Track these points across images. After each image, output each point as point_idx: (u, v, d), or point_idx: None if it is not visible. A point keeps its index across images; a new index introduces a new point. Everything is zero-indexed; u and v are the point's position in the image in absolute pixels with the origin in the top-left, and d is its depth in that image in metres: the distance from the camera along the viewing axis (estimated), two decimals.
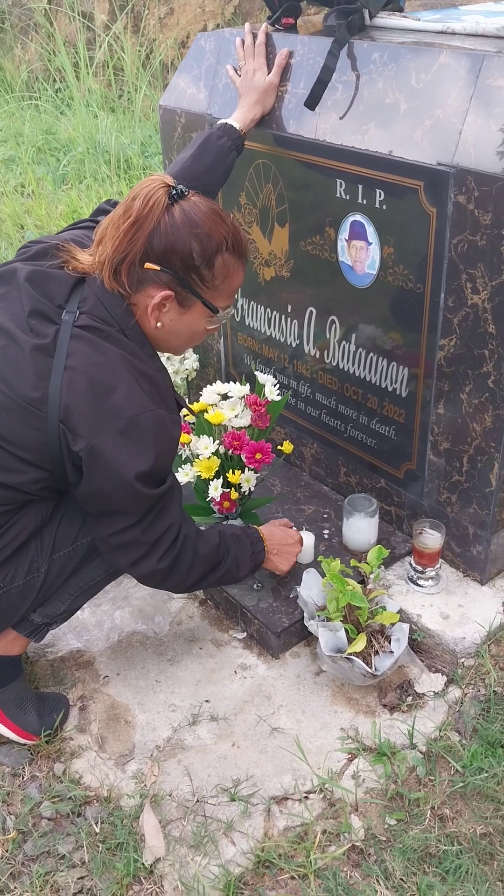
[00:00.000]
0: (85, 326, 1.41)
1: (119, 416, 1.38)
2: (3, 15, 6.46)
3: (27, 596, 1.58)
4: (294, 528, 1.91)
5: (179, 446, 2.01)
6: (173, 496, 1.54)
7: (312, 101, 1.78)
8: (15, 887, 1.45)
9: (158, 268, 1.40)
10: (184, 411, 2.06)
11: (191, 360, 2.55)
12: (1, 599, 1.55)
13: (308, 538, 1.96)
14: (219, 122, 1.87)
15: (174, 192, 1.41)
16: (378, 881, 1.43)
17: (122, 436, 1.38)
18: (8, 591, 1.55)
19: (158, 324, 1.46)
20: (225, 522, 2.11)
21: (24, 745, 1.68)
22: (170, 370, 2.53)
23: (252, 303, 2.22)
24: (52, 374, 1.38)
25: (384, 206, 1.73)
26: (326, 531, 2.08)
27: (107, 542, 1.52)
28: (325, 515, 2.14)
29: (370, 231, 1.78)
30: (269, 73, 1.90)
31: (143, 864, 1.47)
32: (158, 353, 1.54)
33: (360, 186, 1.76)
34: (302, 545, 1.88)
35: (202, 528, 1.71)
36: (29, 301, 1.42)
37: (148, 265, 1.40)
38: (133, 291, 1.43)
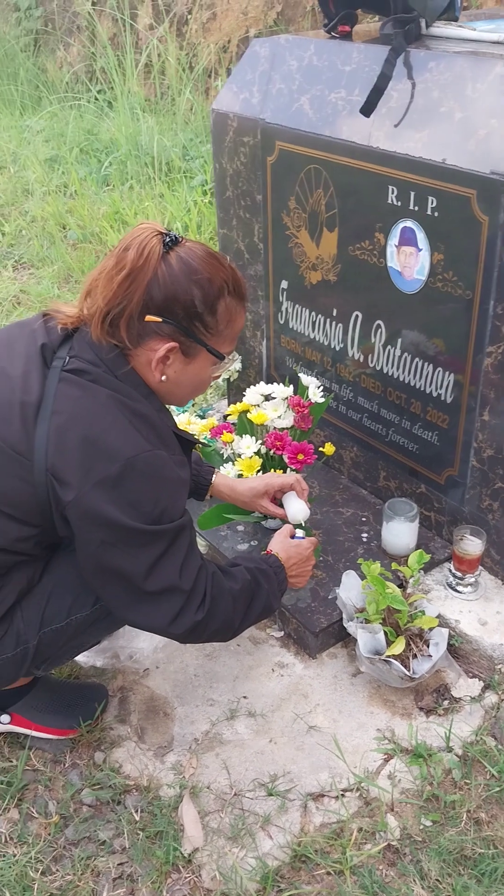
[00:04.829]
0: (73, 370, 1.36)
1: (112, 461, 1.30)
2: (49, 17, 6.55)
3: (20, 666, 1.51)
4: (295, 535, 1.76)
5: (222, 445, 2.05)
6: (193, 536, 1.46)
7: (368, 108, 1.80)
8: (57, 870, 1.48)
9: (160, 319, 1.35)
10: (203, 430, 2.03)
11: (234, 362, 2.57)
12: None
13: (298, 503, 1.82)
14: (208, 467, 1.85)
15: (168, 239, 1.35)
16: (414, 880, 1.44)
17: (118, 481, 1.31)
18: None
19: (163, 377, 1.40)
20: (263, 522, 2.14)
21: (65, 739, 1.72)
22: None
23: (297, 306, 2.25)
24: (39, 419, 1.33)
25: (436, 214, 1.75)
26: (365, 534, 2.09)
27: (141, 595, 1.39)
28: (364, 519, 2.15)
29: (420, 237, 1.79)
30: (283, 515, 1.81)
31: (181, 853, 1.49)
32: None
33: (412, 193, 1.78)
34: (313, 549, 1.75)
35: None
36: (33, 349, 1.40)
37: (149, 318, 1.34)
38: (134, 346, 1.37)
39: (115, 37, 6.02)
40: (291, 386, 2.05)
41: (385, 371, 2.03)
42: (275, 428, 1.99)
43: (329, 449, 2.08)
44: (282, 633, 1.95)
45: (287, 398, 2.03)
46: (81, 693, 1.76)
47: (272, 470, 1.96)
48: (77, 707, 1.73)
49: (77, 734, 1.71)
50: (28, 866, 1.48)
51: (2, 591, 1.46)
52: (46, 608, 1.50)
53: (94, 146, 5.03)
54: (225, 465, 2.01)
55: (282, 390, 2.04)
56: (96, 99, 5.63)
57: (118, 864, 1.49)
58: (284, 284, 2.26)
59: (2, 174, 4.90)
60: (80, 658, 1.89)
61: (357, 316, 2.06)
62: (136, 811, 1.57)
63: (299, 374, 2.08)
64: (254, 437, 2.00)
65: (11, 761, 1.68)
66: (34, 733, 1.69)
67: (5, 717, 1.68)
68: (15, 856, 1.50)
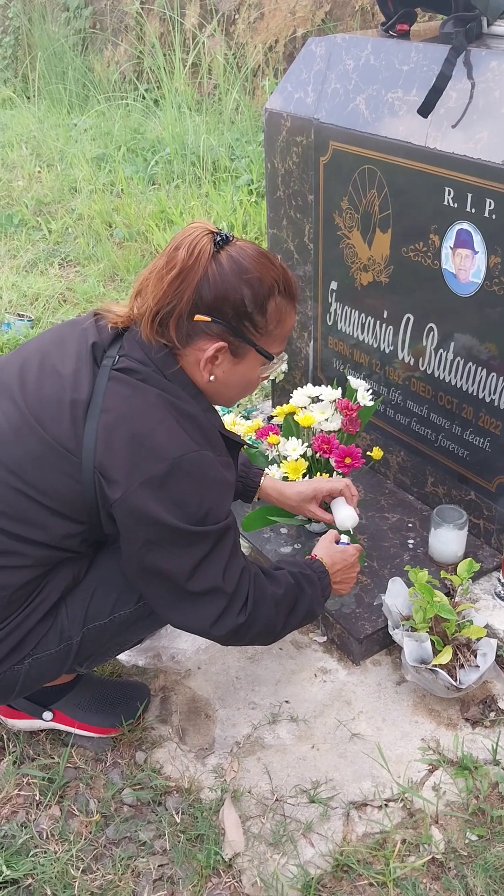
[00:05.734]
0: (122, 369, 1.36)
1: (159, 460, 1.30)
2: (97, 16, 6.59)
3: (64, 663, 1.51)
4: (340, 540, 1.74)
5: (267, 447, 2.03)
6: (237, 538, 1.45)
7: (426, 109, 1.77)
8: (97, 869, 1.48)
9: (209, 319, 1.34)
10: (248, 431, 2.03)
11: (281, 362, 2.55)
12: (31, 667, 1.48)
13: (347, 510, 1.79)
14: (256, 469, 1.83)
15: (219, 238, 1.34)
16: None
17: (164, 481, 1.31)
18: (39, 660, 1.48)
19: (211, 377, 1.39)
20: (307, 525, 2.12)
21: (107, 738, 1.71)
22: None
23: (346, 307, 2.22)
24: (88, 417, 1.33)
25: (493, 216, 1.71)
26: (411, 541, 2.06)
27: (184, 595, 1.39)
28: (410, 525, 2.12)
29: (477, 240, 1.76)
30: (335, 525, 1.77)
31: (222, 857, 1.48)
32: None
33: (470, 195, 1.74)
34: (358, 555, 1.73)
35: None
36: (84, 348, 1.40)
37: (198, 317, 1.34)
38: (183, 346, 1.37)
39: (163, 36, 6.05)
40: (340, 388, 2.02)
41: (436, 375, 1.99)
42: (322, 430, 1.97)
43: (377, 453, 2.06)
44: (325, 638, 1.92)
45: (335, 401, 2.00)
46: (124, 692, 1.76)
47: (318, 473, 1.94)
48: (119, 706, 1.72)
49: (118, 733, 1.71)
50: (69, 864, 1.48)
51: (47, 587, 1.46)
52: (90, 605, 1.50)
53: (140, 145, 5.05)
54: (270, 467, 1.99)
55: (330, 393, 2.02)
56: (143, 98, 5.65)
57: (159, 866, 1.48)
58: (334, 285, 2.24)
59: (49, 172, 4.95)
60: (122, 657, 1.88)
61: (408, 318, 2.03)
62: (177, 813, 1.56)
63: (348, 377, 2.06)
64: (300, 440, 1.99)
65: (53, 758, 1.68)
66: (76, 731, 1.70)
67: (48, 714, 1.68)
68: (56, 853, 1.51)
